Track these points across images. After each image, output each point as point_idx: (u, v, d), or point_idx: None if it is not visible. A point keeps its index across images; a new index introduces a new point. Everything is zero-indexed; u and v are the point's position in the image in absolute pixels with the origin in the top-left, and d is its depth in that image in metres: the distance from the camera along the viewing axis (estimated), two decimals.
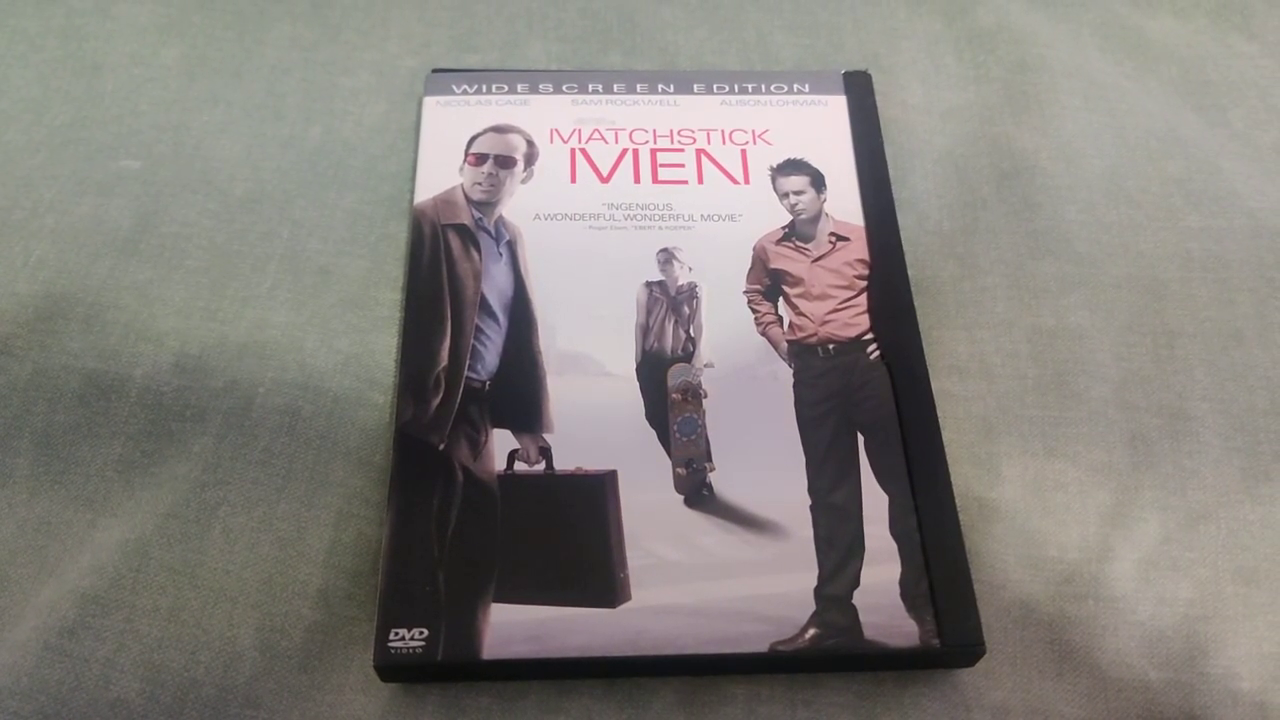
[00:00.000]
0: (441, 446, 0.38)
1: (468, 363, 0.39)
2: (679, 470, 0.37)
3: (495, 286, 0.41)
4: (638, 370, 0.40)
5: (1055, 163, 0.46)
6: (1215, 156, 0.47)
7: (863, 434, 0.38)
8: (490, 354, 0.40)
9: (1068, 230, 0.45)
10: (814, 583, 0.35)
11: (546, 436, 0.38)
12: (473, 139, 0.45)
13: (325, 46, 0.51)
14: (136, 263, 0.43)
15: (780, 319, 0.41)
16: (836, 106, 0.46)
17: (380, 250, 0.44)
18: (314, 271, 0.44)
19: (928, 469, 0.38)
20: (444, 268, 0.42)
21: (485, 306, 0.41)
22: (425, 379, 0.39)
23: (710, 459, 0.38)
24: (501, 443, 0.38)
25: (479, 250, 0.42)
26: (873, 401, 0.39)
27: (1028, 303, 0.43)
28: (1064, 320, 0.42)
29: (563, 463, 0.37)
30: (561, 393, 0.39)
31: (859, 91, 0.47)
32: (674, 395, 0.39)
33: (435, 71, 0.48)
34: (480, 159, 0.44)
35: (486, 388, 0.39)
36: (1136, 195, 0.46)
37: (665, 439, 0.38)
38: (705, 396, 0.39)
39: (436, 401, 0.39)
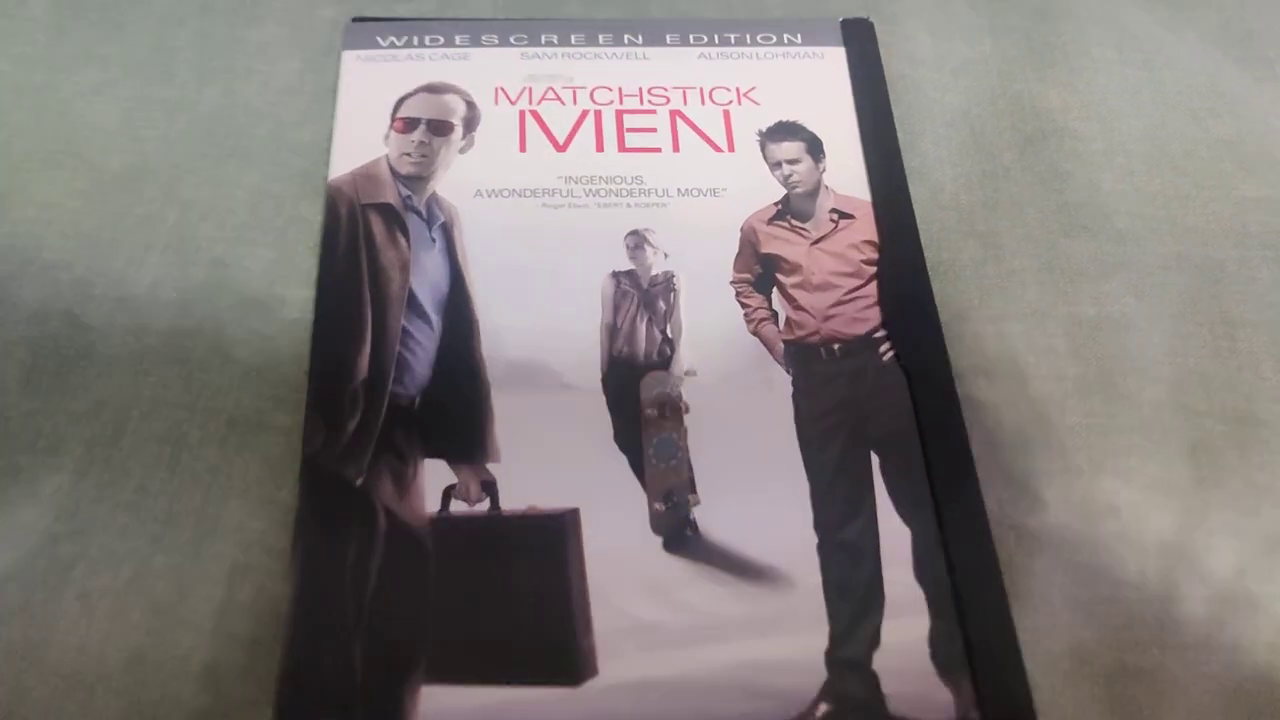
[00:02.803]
0: (359, 481, 0.30)
1: (392, 375, 0.32)
2: (656, 505, 0.31)
3: (427, 280, 0.34)
4: (604, 381, 0.32)
5: (1086, 124, 0.40)
6: (1265, 115, 0.41)
7: (877, 453, 0.31)
8: (420, 364, 0.32)
9: (1105, 202, 0.38)
10: (825, 644, 0.28)
11: (490, 467, 0.31)
12: (401, 101, 0.37)
13: None
14: None
15: (775, 314, 0.34)
16: (834, 60, 0.39)
17: (289, 237, 0.36)
18: (206, 264, 0.36)
19: (957, 494, 0.31)
20: (364, 257, 0.34)
21: (414, 305, 0.33)
22: (340, 395, 0.31)
23: (694, 490, 0.31)
24: (434, 476, 0.31)
25: (407, 235, 0.34)
26: (887, 412, 0.32)
27: (1063, 289, 0.36)
28: (1106, 309, 0.36)
29: (511, 500, 0.30)
30: (509, 411, 0.32)
31: (860, 42, 0.40)
32: (648, 411, 0.32)
33: (356, 20, 0.40)
34: (409, 124, 0.37)
35: (415, 406, 0.32)
36: (1181, 161, 0.40)
37: (639, 466, 0.31)
38: (686, 411, 0.32)
39: (354, 424, 0.31)
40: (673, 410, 0.32)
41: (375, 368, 0.32)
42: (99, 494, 0.31)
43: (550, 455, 0.31)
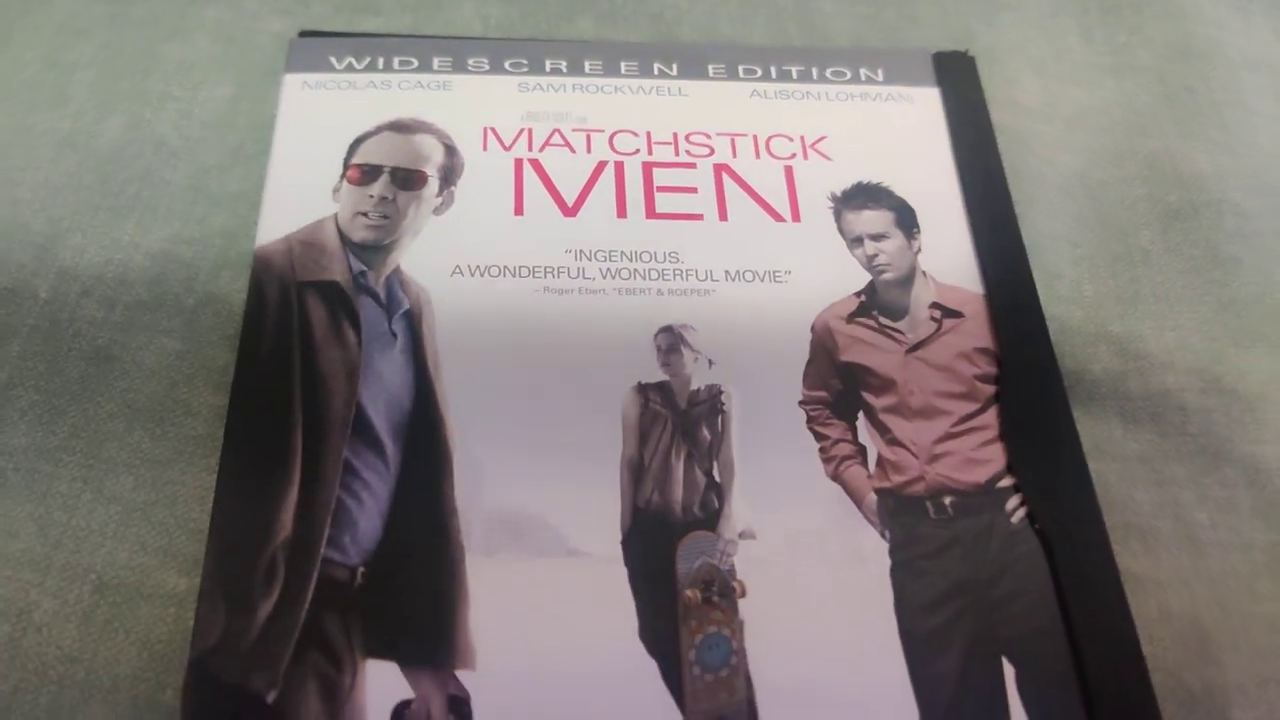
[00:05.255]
0: (271, 696, 0.21)
1: (327, 534, 0.23)
2: None
3: (382, 393, 0.24)
4: (625, 545, 0.23)
5: (1251, 197, 0.31)
6: None
7: (1011, 661, 0.22)
8: (368, 517, 0.23)
9: None
10: None
11: (461, 676, 0.21)
12: (358, 142, 0.28)
13: None
14: None
15: (863, 451, 0.25)
16: (927, 104, 0.31)
17: (199, 323, 0.27)
18: (84, 356, 0.26)
19: None
20: (297, 358, 0.25)
21: (363, 429, 0.24)
22: (249, 564, 0.22)
23: (754, 716, 0.21)
24: (382, 687, 0.21)
25: (358, 328, 0.25)
26: (1023, 601, 0.23)
27: (1239, 417, 0.27)
28: None
29: None
30: (491, 590, 0.22)
31: (959, 82, 0.31)
32: (689, 592, 0.23)
33: (304, 35, 0.31)
34: (368, 174, 0.28)
35: (358, 581, 0.22)
36: None
37: (674, 676, 0.22)
38: (743, 595, 0.23)
39: (267, 608, 0.22)
40: (723, 592, 0.23)
41: (303, 522, 0.23)
42: None
43: (547, 659, 0.21)
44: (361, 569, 0.22)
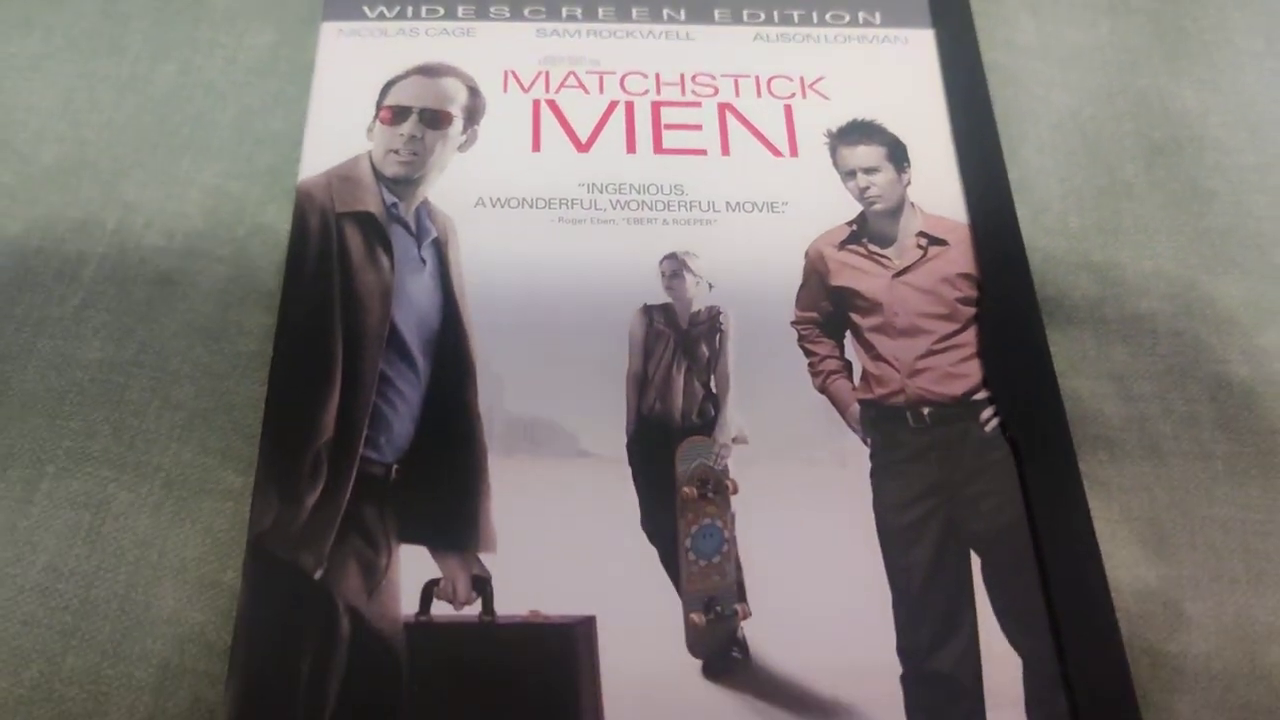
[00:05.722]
0: (319, 573, 0.24)
1: (364, 435, 0.25)
2: (694, 616, 0.24)
3: (413, 311, 0.27)
4: (629, 448, 0.26)
5: (1232, 132, 0.32)
6: None
7: (978, 553, 0.25)
8: (400, 421, 0.26)
9: (1258, 231, 0.31)
10: None
11: (484, 559, 0.24)
12: (389, 85, 0.31)
13: None
14: None
15: (848, 366, 0.27)
16: (921, 45, 0.32)
17: (249, 250, 0.30)
18: (149, 281, 0.29)
19: (1081, 610, 0.24)
20: (337, 280, 0.27)
21: (396, 343, 0.27)
22: (298, 460, 0.25)
23: (743, 597, 0.24)
24: (413, 568, 0.24)
25: (390, 254, 0.28)
26: (992, 499, 0.25)
27: (1207, 339, 0.29)
28: (1264, 367, 0.29)
29: (509, 603, 0.24)
30: (510, 485, 0.25)
31: (953, 24, 0.33)
32: (686, 489, 0.25)
33: None
34: (398, 114, 0.30)
35: (392, 477, 0.25)
36: None
37: (672, 562, 0.24)
38: (734, 492, 0.25)
39: (313, 498, 0.25)
40: (717, 489, 0.25)
41: (344, 425, 0.25)
42: None
43: (559, 545, 0.24)
44: (395, 466, 0.25)
